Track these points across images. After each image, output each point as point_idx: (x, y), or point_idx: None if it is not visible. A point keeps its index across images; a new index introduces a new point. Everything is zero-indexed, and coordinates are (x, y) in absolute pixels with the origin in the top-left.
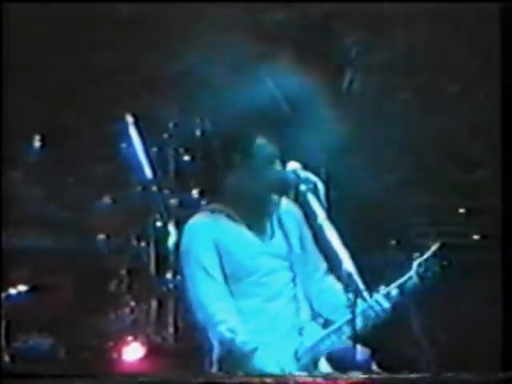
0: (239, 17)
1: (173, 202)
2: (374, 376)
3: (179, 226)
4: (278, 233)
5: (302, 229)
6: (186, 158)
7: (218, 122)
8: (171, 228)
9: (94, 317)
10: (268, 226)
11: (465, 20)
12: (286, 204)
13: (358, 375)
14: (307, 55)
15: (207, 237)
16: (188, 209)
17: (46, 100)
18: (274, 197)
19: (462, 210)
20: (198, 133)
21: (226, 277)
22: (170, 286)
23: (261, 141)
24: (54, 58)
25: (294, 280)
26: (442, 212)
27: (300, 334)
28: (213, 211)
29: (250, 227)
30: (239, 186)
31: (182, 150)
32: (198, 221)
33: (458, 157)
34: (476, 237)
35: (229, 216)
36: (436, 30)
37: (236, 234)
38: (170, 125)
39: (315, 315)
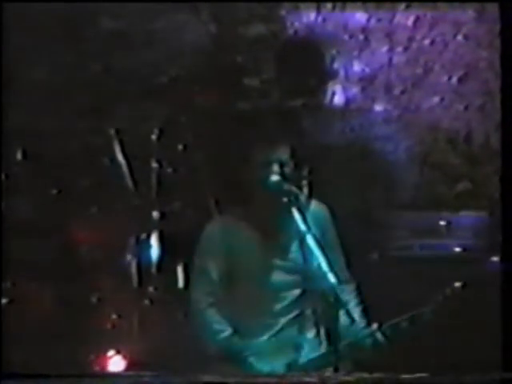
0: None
1: (155, 214)
2: (374, 376)
3: (161, 239)
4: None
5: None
6: (169, 170)
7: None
8: (153, 241)
9: (75, 329)
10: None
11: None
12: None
13: (357, 375)
14: None
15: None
16: (171, 222)
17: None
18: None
19: (442, 223)
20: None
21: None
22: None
23: None
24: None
25: (302, 296)
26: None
27: (296, 350)
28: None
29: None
30: None
31: (165, 163)
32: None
33: (438, 169)
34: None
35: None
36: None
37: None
38: (153, 137)
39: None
